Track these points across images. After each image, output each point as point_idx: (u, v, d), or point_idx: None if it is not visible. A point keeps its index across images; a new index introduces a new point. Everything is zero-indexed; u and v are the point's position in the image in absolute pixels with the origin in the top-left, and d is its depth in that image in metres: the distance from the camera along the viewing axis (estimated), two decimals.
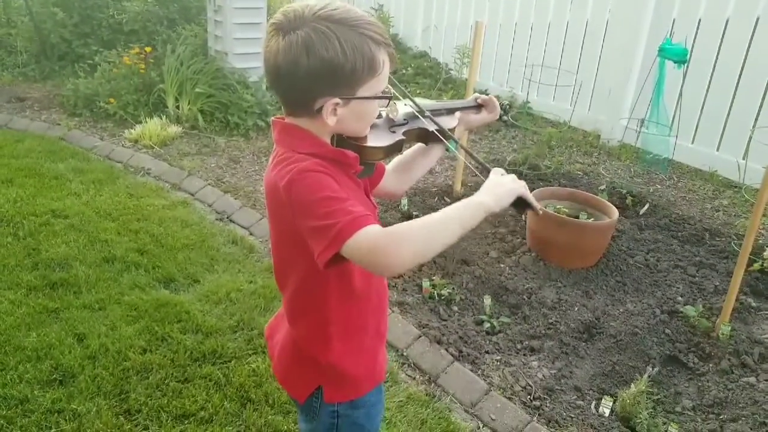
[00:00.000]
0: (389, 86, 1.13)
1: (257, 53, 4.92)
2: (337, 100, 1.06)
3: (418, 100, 1.25)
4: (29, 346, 2.29)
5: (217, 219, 3.50)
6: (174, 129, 4.50)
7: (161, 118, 4.57)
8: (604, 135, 4.91)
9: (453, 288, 2.88)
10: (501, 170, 1.17)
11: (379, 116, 1.19)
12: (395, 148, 1.19)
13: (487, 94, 1.48)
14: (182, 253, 3.03)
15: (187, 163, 4.14)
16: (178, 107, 4.70)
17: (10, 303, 2.54)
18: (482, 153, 4.61)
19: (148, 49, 4.96)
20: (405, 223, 1.03)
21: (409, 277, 2.97)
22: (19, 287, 2.65)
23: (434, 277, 2.93)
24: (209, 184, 3.87)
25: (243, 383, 2.20)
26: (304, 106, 1.08)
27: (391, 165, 1.39)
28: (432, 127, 1.23)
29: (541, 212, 1.37)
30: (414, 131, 1.23)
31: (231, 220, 3.51)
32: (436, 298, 2.82)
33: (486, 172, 1.17)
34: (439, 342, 2.54)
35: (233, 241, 3.22)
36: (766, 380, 2.44)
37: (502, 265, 3.11)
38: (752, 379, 2.44)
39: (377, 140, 1.16)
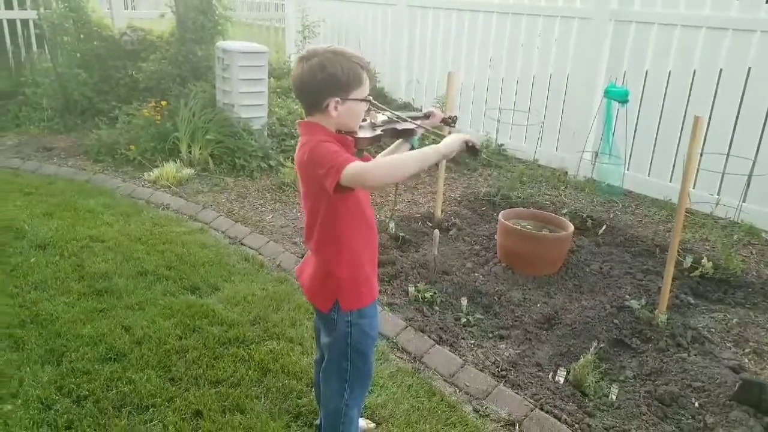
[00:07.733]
0: (370, 96, 1.78)
1: (260, 105, 5.58)
2: (338, 99, 1.71)
3: (388, 113, 1.92)
4: (86, 335, 2.78)
5: (230, 242, 4.03)
6: (188, 171, 5.08)
7: (176, 162, 5.16)
8: (571, 171, 5.54)
9: (435, 292, 3.39)
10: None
11: (365, 121, 1.85)
12: (376, 140, 1.84)
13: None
14: (203, 268, 3.55)
15: (201, 198, 4.70)
16: (190, 152, 5.30)
17: (65, 305, 3.04)
18: (460, 188, 5.20)
19: (164, 102, 5.61)
20: (382, 158, 1.69)
21: (397, 285, 3.49)
22: (71, 294, 3.15)
23: (418, 284, 3.45)
24: (221, 215, 4.41)
25: (263, 359, 2.69)
26: (317, 105, 1.72)
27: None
28: (401, 127, 1.89)
29: (480, 151, 1.83)
30: (389, 130, 1.88)
31: (242, 244, 4.03)
32: (420, 300, 3.33)
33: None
34: (422, 331, 3.04)
35: (246, 259, 3.74)
36: (695, 355, 2.94)
37: (476, 274, 3.65)
38: (684, 355, 2.94)
39: (364, 133, 1.82)
